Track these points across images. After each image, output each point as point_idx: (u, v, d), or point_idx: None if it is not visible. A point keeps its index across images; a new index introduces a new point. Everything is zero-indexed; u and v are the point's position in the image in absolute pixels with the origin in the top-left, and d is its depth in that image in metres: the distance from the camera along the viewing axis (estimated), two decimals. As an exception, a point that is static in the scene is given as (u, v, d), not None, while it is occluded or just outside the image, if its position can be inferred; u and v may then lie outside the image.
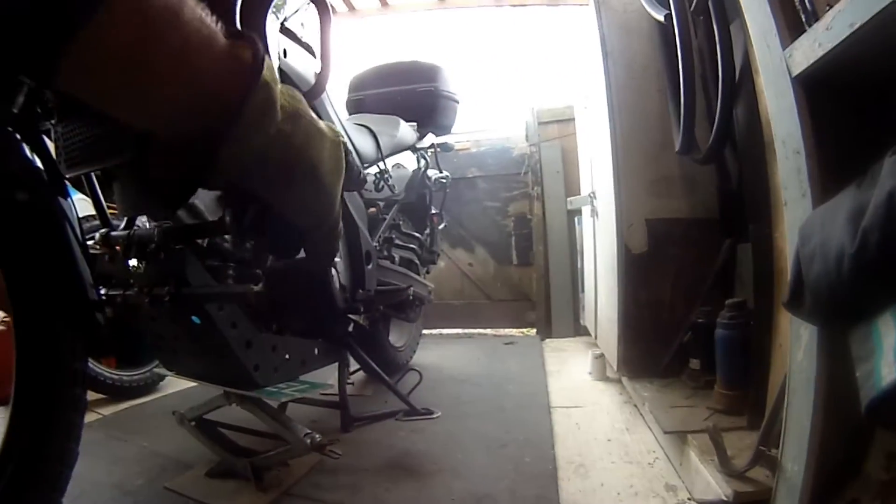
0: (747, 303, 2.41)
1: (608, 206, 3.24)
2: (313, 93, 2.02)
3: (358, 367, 3.13)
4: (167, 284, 1.83)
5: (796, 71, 1.45)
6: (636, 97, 3.03)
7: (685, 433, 2.19)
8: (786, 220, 1.61)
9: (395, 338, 3.90)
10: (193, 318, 1.96)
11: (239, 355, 2.02)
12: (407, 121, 3.52)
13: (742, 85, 2.30)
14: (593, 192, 3.85)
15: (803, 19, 1.48)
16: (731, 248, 2.77)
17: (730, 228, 2.81)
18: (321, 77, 1.93)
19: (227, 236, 2.02)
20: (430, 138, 3.87)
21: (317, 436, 2.07)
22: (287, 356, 2.26)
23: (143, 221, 2.11)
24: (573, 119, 5.28)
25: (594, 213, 3.86)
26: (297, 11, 2.00)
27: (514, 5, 6.57)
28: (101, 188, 1.88)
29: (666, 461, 2.35)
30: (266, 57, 0.95)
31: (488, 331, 6.05)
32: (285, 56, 2.05)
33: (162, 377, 3.78)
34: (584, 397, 3.33)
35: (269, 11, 1.73)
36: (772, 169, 2.09)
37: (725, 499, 1.78)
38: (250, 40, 0.94)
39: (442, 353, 4.69)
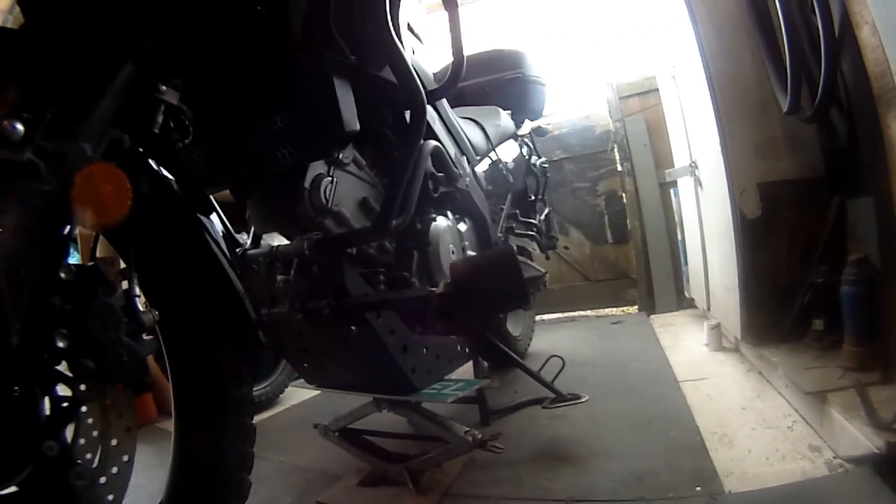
0: (868, 257, 2.38)
1: (715, 174, 3.23)
2: (444, 90, 2.07)
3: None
4: (324, 297, 1.86)
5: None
6: (730, 61, 3.01)
7: (825, 392, 2.19)
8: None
9: (512, 327, 3.92)
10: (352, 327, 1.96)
11: (398, 360, 2.03)
12: (501, 109, 3.52)
13: (844, 40, 2.28)
14: (694, 162, 3.83)
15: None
16: (841, 205, 2.74)
17: (838, 186, 2.78)
18: (454, 73, 1.96)
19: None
20: (528, 124, 3.89)
21: (477, 433, 2.09)
22: (437, 357, 2.28)
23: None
24: (654, 90, 5.24)
25: (697, 182, 3.83)
26: (420, 1, 2.05)
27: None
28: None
29: (804, 423, 2.34)
30: None
31: (589, 312, 6.03)
32: (413, 54, 2.10)
33: (281, 390, 3.86)
34: (707, 369, 3.32)
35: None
36: (885, 122, 2.07)
37: (878, 450, 1.79)
38: None
39: (554, 339, 4.70)
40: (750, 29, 2.93)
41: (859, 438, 1.89)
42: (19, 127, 0.99)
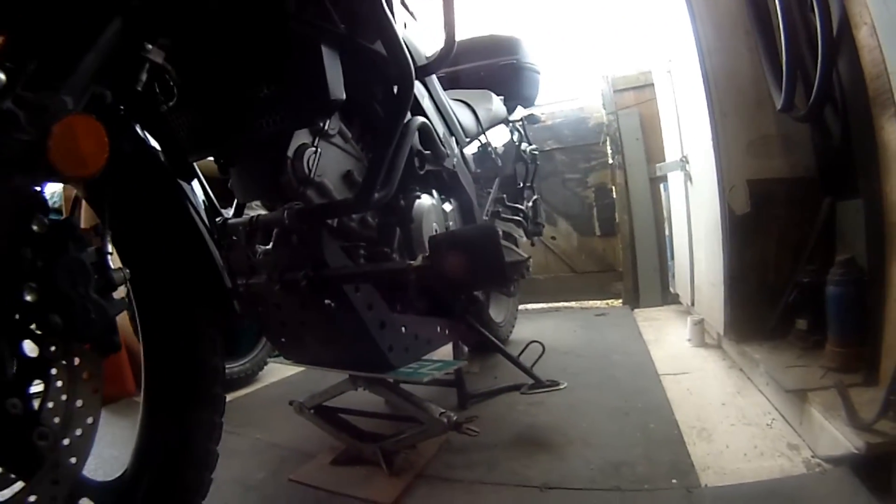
0: (856, 259, 2.39)
1: (705, 169, 3.22)
2: (434, 66, 2.06)
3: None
4: (302, 268, 1.85)
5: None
6: (727, 57, 3.00)
7: (806, 391, 2.19)
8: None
9: (495, 313, 3.93)
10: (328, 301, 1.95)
11: (375, 337, 2.01)
12: (494, 94, 3.52)
13: (842, 40, 2.27)
14: (685, 157, 3.83)
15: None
16: (831, 205, 2.74)
17: (829, 186, 2.78)
18: (444, 51, 1.95)
19: (353, 215, 2.04)
20: (521, 111, 3.89)
21: (452, 415, 2.09)
22: (416, 336, 2.26)
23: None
24: (649, 85, 5.24)
25: (688, 177, 3.83)
26: None
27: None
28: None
29: (783, 422, 2.35)
30: None
31: (574, 303, 6.05)
32: (405, 28, 2.08)
33: (261, 367, 3.86)
34: (689, 363, 3.33)
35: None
36: (878, 124, 2.07)
37: (856, 451, 1.79)
38: None
39: (537, 328, 4.71)
40: (748, 26, 2.92)
41: (839, 438, 1.89)
42: (0, 76, 0.98)
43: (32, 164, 1.01)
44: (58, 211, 3.92)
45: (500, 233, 3.46)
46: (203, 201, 1.89)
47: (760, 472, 1.99)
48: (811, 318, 2.68)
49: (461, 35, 1.99)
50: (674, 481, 1.97)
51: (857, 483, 1.77)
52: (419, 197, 2.30)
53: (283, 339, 2.31)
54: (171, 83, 1.43)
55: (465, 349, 2.78)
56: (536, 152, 3.98)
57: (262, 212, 2.09)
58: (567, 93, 6.24)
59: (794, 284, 2.79)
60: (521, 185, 3.86)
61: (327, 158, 1.88)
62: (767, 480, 1.92)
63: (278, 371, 3.84)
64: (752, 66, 2.94)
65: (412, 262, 1.85)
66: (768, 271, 2.96)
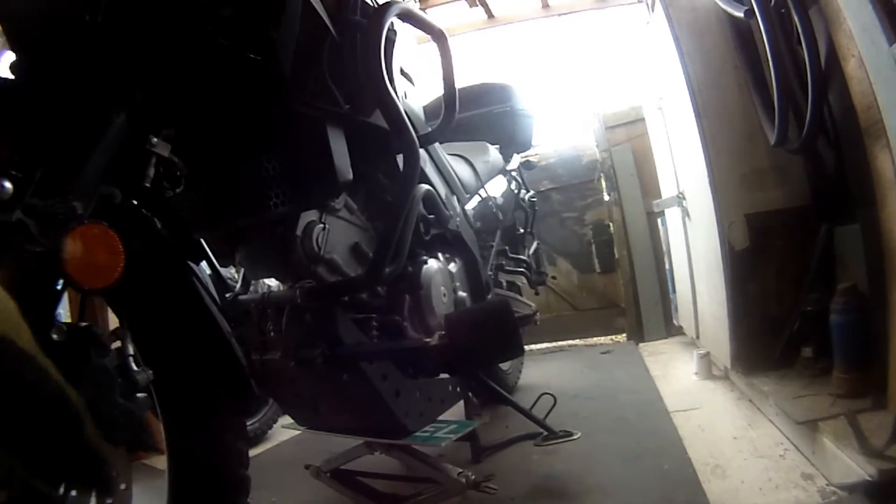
0: (857, 286, 2.41)
1: (703, 205, 3.26)
2: (436, 135, 2.08)
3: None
4: (316, 345, 1.85)
5: (906, 64, 1.49)
6: (717, 93, 3.05)
7: (816, 421, 2.20)
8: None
9: None
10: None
11: (390, 405, 2.01)
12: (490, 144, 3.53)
13: (831, 73, 2.32)
14: (682, 193, 3.85)
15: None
16: (828, 233, 2.77)
17: (824, 214, 2.81)
18: (447, 116, 1.98)
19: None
20: (517, 159, 3.91)
21: (470, 474, 2.08)
22: (430, 398, 2.26)
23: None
24: (640, 120, 5.27)
25: (685, 213, 3.86)
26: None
27: (562, 14, 6.58)
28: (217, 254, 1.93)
29: (796, 452, 2.36)
30: None
31: (578, 341, 6.00)
32: (406, 97, 2.11)
33: (270, 426, 3.79)
34: (698, 398, 3.33)
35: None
36: (871, 153, 2.10)
37: (870, 478, 1.80)
38: None
39: (543, 371, 4.67)
40: (736, 61, 2.98)
41: (851, 466, 1.90)
42: (8, 186, 0.97)
43: (50, 274, 1.03)
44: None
45: (505, 284, 3.48)
46: (211, 275, 1.88)
47: (777, 505, 1.98)
48: (816, 345, 2.70)
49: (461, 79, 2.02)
50: (692, 522, 1.96)
51: (872, 509, 1.78)
52: (426, 262, 2.30)
53: (296, 408, 2.32)
54: (178, 173, 1.43)
55: (476, 402, 2.76)
56: (535, 199, 3.98)
57: (272, 284, 2.11)
58: (559, 132, 6.30)
59: (798, 313, 2.81)
60: (522, 232, 3.86)
61: (335, 233, 1.90)
62: (784, 514, 1.92)
63: (285, 432, 3.71)
64: (742, 100, 2.99)
65: (429, 340, 1.86)
66: (771, 302, 2.98)
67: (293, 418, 2.41)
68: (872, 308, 2.29)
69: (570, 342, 5.99)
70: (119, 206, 1.21)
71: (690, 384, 3.69)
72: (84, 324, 1.15)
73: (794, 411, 2.34)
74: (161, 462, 1.50)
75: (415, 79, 2.32)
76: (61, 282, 1.09)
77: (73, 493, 1.10)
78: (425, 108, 2.44)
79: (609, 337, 5.98)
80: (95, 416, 1.06)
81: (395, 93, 1.77)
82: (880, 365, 2.19)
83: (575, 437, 2.56)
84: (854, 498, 1.88)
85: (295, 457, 2.96)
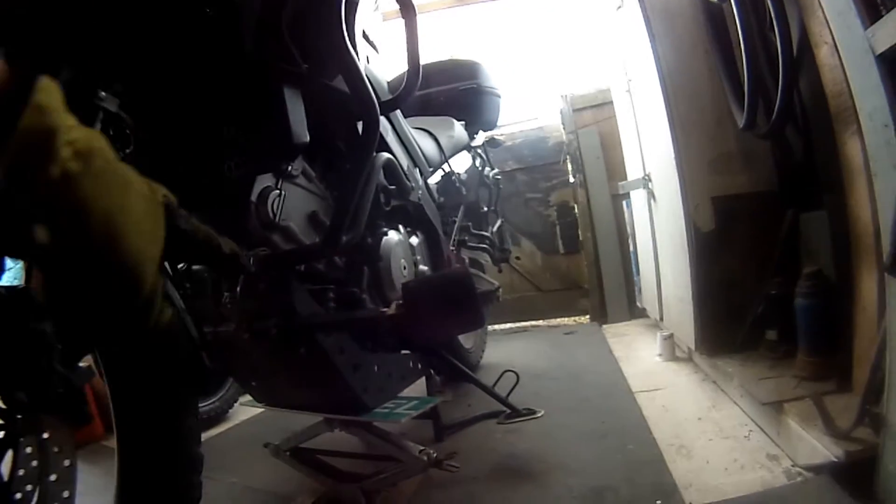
0: (822, 270, 2.44)
1: (669, 187, 3.28)
2: (398, 101, 2.04)
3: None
4: (271, 316, 1.80)
5: (880, 49, 1.51)
6: (687, 77, 3.07)
7: (781, 402, 2.24)
8: (877, 190, 1.67)
9: (464, 340, 3.85)
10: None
11: (348, 380, 1.98)
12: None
13: (802, 59, 2.34)
14: (648, 175, 3.88)
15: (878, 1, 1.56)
16: (794, 218, 2.81)
17: (790, 199, 2.85)
18: (409, 84, 1.94)
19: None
20: (482, 136, 3.91)
21: (431, 452, 2.06)
22: (389, 374, 2.24)
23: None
24: (608, 103, 5.27)
25: (651, 195, 3.89)
26: (376, 9, 2.00)
27: (530, -7, 6.59)
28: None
29: (760, 433, 2.40)
30: (52, 84, 0.81)
31: (541, 322, 6.04)
32: (368, 63, 2.07)
33: (231, 405, 3.75)
34: (661, 379, 3.37)
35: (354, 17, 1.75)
36: (841, 140, 2.13)
37: (836, 459, 1.84)
38: (21, 62, 0.79)
39: (507, 350, 4.70)
40: (707, 45, 2.99)
41: (817, 447, 1.94)
42: None
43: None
44: None
45: (468, 260, 3.47)
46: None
47: (742, 485, 2.02)
48: (780, 329, 2.74)
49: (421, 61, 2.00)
50: (658, 502, 1.99)
51: (840, 490, 1.81)
52: (386, 234, 2.28)
53: (253, 384, 2.27)
54: (128, 131, 1.37)
55: (438, 379, 2.75)
56: (499, 177, 3.99)
57: None
58: (526, 112, 6.28)
59: (762, 297, 2.84)
60: (486, 209, 3.86)
61: (292, 200, 1.84)
62: (751, 494, 1.95)
63: (246, 410, 3.73)
64: (712, 84, 3.01)
65: (386, 309, 1.84)
66: (736, 285, 3.01)
67: (251, 395, 2.36)
68: (837, 293, 2.32)
69: (534, 323, 6.04)
70: None
71: (654, 365, 3.73)
72: (20, 286, 1.11)
73: (759, 392, 2.38)
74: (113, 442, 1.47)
75: (379, 47, 2.28)
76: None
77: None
78: (390, 84, 2.40)
79: (572, 318, 6.01)
80: (31, 384, 1.03)
81: (357, 54, 1.71)
82: (845, 349, 2.23)
83: (538, 416, 2.57)
84: (820, 479, 1.92)
85: (255, 436, 2.92)
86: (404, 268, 2.37)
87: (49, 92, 0.78)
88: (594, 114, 5.74)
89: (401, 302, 1.82)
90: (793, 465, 2.08)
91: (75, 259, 0.86)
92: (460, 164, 3.63)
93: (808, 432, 2.01)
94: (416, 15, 1.95)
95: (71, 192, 0.79)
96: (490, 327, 5.24)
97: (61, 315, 1.04)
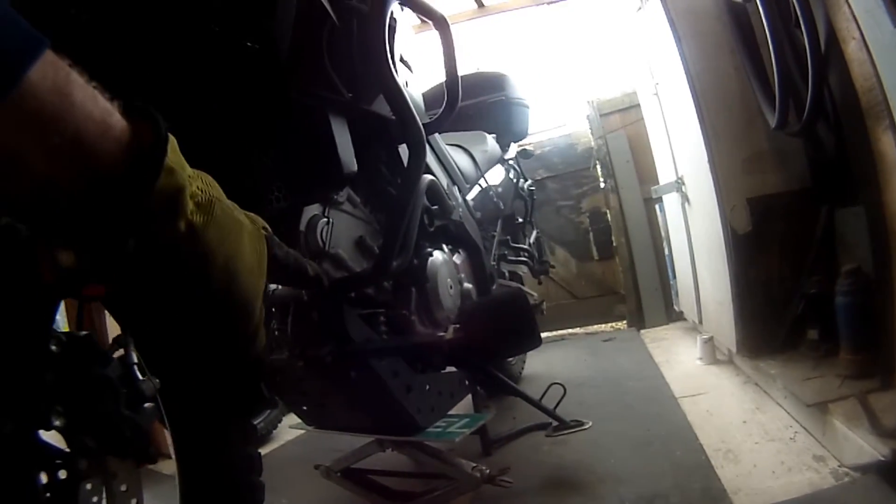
0: (861, 267, 2.42)
1: (703, 190, 3.27)
2: (439, 124, 2.04)
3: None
4: (324, 343, 1.79)
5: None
6: (715, 78, 3.06)
7: (826, 403, 2.21)
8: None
9: None
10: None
11: (401, 401, 1.98)
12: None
13: (830, 55, 2.32)
14: (680, 178, 3.86)
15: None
16: (830, 214, 2.78)
17: (825, 196, 2.82)
18: (449, 105, 1.94)
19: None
20: (514, 148, 3.90)
21: (485, 468, 2.06)
22: (440, 392, 2.23)
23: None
24: (635, 106, 5.29)
25: (685, 199, 3.87)
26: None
27: (552, 2, 6.58)
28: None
29: (805, 434, 2.36)
30: (170, 136, 0.79)
31: (578, 329, 6.02)
32: (407, 86, 2.07)
33: (275, 425, 3.76)
34: (703, 383, 3.33)
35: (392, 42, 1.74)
36: (874, 135, 2.11)
37: (883, 458, 1.82)
38: (148, 116, 0.76)
39: (546, 360, 4.65)
40: (733, 45, 2.98)
41: (864, 447, 1.91)
42: None
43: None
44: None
45: (508, 274, 3.46)
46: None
47: (791, 488, 1.99)
48: (821, 327, 2.71)
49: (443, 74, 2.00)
50: (709, 508, 1.97)
51: (888, 489, 1.78)
52: (431, 254, 2.26)
53: (304, 408, 2.27)
54: None
55: (483, 394, 2.74)
56: (533, 187, 3.97)
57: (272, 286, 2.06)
58: (554, 120, 6.28)
59: (801, 296, 2.82)
60: (521, 221, 3.85)
61: (339, 227, 1.84)
62: (800, 497, 1.92)
63: (290, 431, 3.64)
64: (740, 84, 3.00)
65: (443, 334, 1.83)
66: (774, 285, 2.99)
67: (301, 418, 2.36)
68: (877, 289, 2.30)
69: (571, 331, 6.01)
70: None
71: (695, 369, 3.69)
72: (83, 332, 1.08)
73: (803, 394, 2.36)
74: (166, 466, 1.47)
75: (413, 65, 2.29)
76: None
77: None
78: (424, 96, 2.41)
79: (609, 324, 5.99)
80: (100, 430, 1.03)
81: (398, 80, 1.71)
82: (887, 345, 2.20)
83: (587, 427, 2.54)
84: (868, 478, 1.89)
85: (302, 457, 2.93)
86: (450, 287, 2.35)
87: (176, 149, 0.80)
88: (622, 118, 5.74)
89: (457, 325, 1.82)
90: (839, 466, 2.05)
91: (193, 305, 0.88)
92: (495, 177, 3.63)
93: (854, 432, 1.98)
94: (451, 32, 1.95)
95: (195, 243, 0.81)
96: (529, 338, 5.20)
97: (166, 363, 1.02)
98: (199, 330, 0.92)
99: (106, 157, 0.68)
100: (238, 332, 0.97)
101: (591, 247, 6.02)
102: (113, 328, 1.32)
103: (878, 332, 2.29)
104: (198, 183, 0.85)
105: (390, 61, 1.66)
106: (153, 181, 0.72)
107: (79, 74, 0.64)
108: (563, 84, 6.55)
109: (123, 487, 1.18)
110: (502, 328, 1.82)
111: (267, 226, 1.07)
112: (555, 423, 2.60)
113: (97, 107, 0.66)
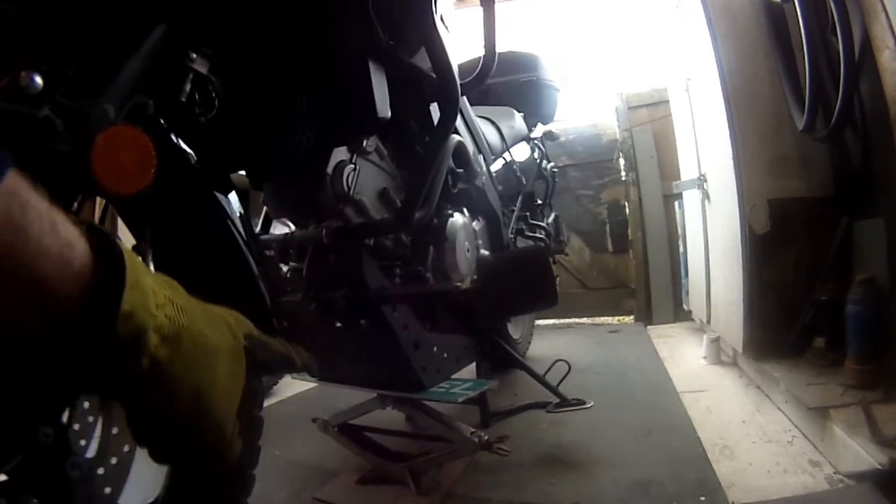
0: (875, 278, 2.42)
1: (725, 188, 3.26)
2: (474, 83, 2.04)
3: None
4: (339, 287, 1.81)
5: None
6: (747, 79, 3.05)
7: (827, 408, 2.22)
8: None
9: (512, 330, 3.87)
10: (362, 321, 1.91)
11: (409, 356, 1.99)
12: (514, 111, 3.53)
13: (863, 63, 2.31)
14: (703, 175, 3.85)
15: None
16: (848, 225, 2.77)
17: (845, 206, 2.81)
18: (484, 68, 1.95)
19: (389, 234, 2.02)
20: (541, 128, 3.92)
21: (483, 434, 2.06)
22: (446, 355, 2.24)
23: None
24: (663, 102, 5.25)
25: (705, 196, 3.86)
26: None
27: (588, -10, 6.58)
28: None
29: (803, 439, 2.37)
30: (135, 259, 0.72)
31: (585, 320, 6.03)
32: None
33: (276, 381, 3.77)
34: (706, 381, 3.34)
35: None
36: (899, 146, 2.11)
37: (880, 466, 1.82)
38: (109, 246, 0.68)
39: (551, 345, 4.67)
40: (768, 48, 2.97)
41: (861, 454, 1.92)
42: (38, 80, 0.87)
43: (73, 178, 0.92)
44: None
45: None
46: (239, 214, 1.84)
47: (784, 488, 2.00)
48: (829, 336, 2.71)
49: (476, 51, 2.00)
50: (702, 498, 1.98)
51: (882, 498, 1.78)
52: (452, 215, 2.28)
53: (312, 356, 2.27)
54: (214, 94, 1.36)
55: (486, 365, 2.76)
56: (556, 170, 3.99)
57: (291, 227, 2.07)
58: (581, 109, 6.26)
59: (813, 303, 2.82)
60: (540, 202, 3.87)
61: (365, 176, 1.85)
62: (793, 497, 1.94)
63: (293, 386, 3.78)
64: (772, 87, 2.98)
65: (460, 284, 1.84)
66: (786, 290, 2.98)
67: (306, 368, 2.37)
68: (890, 301, 2.30)
69: (578, 320, 6.02)
70: (151, 118, 1.12)
71: (699, 367, 3.70)
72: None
73: (805, 397, 2.36)
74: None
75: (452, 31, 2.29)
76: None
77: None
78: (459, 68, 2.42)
79: (617, 318, 6.00)
80: None
81: (441, 33, 1.73)
82: (894, 357, 2.20)
83: (588, 406, 2.58)
84: (862, 486, 1.90)
85: (301, 412, 2.95)
86: (468, 250, 2.37)
87: (136, 278, 0.71)
88: (649, 112, 5.72)
89: (476, 277, 1.84)
90: (835, 472, 2.06)
91: (159, 429, 0.83)
92: (519, 154, 3.63)
93: (853, 439, 1.99)
94: (495, 7, 1.96)
95: (159, 378, 0.76)
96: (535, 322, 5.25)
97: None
98: (168, 446, 0.88)
99: (63, 298, 0.63)
100: (206, 450, 0.91)
101: (606, 238, 6.03)
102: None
103: (886, 344, 2.29)
104: (165, 311, 0.77)
105: (434, 10, 1.67)
106: (111, 328, 0.67)
107: (39, 197, 0.59)
108: (594, 74, 6.53)
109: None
110: (520, 281, 1.83)
111: (251, 328, 1.02)
112: (556, 401, 2.64)
113: (56, 240, 0.60)
